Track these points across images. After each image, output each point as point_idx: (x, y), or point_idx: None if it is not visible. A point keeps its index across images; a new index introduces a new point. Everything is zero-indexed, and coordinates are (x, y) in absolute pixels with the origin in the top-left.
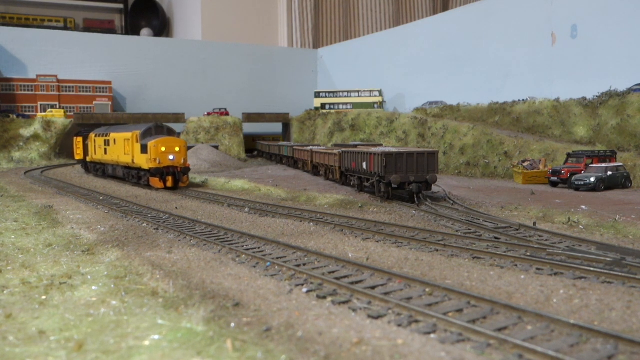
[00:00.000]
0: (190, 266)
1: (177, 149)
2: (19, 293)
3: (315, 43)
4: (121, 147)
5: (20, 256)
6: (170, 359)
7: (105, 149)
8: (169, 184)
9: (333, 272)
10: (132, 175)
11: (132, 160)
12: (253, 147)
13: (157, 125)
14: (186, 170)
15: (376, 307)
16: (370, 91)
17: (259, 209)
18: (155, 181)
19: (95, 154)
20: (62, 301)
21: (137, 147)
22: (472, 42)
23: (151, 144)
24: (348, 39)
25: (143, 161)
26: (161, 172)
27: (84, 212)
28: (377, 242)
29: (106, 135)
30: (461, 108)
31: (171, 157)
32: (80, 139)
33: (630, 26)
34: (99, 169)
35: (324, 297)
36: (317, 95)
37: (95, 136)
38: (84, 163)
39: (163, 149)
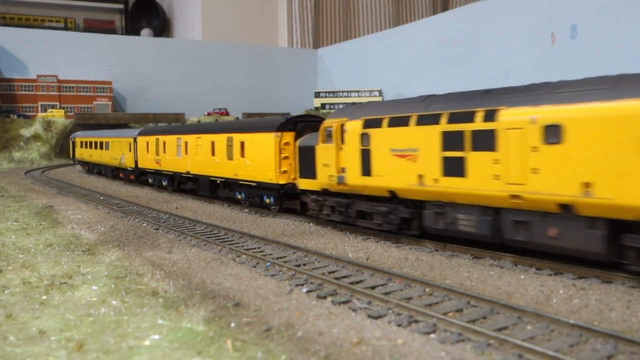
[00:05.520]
0: (191, 266)
1: None
2: (19, 293)
3: (315, 43)
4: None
5: (20, 256)
6: (171, 359)
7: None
8: None
9: (333, 272)
10: None
11: None
12: None
13: None
14: None
15: (376, 307)
16: (370, 91)
17: None
18: None
19: (378, 170)
20: (63, 301)
21: None
22: (472, 42)
23: None
24: (348, 39)
25: None
26: None
27: (85, 212)
28: (377, 242)
29: (433, 119)
30: None
31: None
32: (273, 137)
33: (630, 26)
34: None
35: (324, 297)
36: (317, 95)
37: (387, 124)
38: (272, 193)
39: None
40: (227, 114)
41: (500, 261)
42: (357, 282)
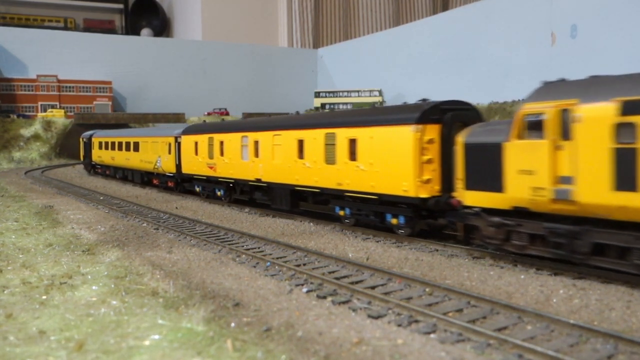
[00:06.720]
0: (191, 266)
1: None
2: (19, 293)
3: (315, 43)
4: None
5: (20, 256)
6: (171, 359)
7: None
8: None
9: (333, 272)
10: None
11: None
12: None
13: None
14: None
15: (376, 307)
16: (370, 91)
17: None
18: None
19: None
20: (63, 301)
21: None
22: (472, 42)
23: None
24: (348, 39)
25: None
26: None
27: (84, 212)
28: (377, 242)
29: None
30: None
31: None
32: (412, 132)
33: (630, 26)
34: None
35: (324, 297)
36: (317, 95)
37: None
38: None
39: None
40: (227, 113)
41: (500, 261)
42: (357, 282)
